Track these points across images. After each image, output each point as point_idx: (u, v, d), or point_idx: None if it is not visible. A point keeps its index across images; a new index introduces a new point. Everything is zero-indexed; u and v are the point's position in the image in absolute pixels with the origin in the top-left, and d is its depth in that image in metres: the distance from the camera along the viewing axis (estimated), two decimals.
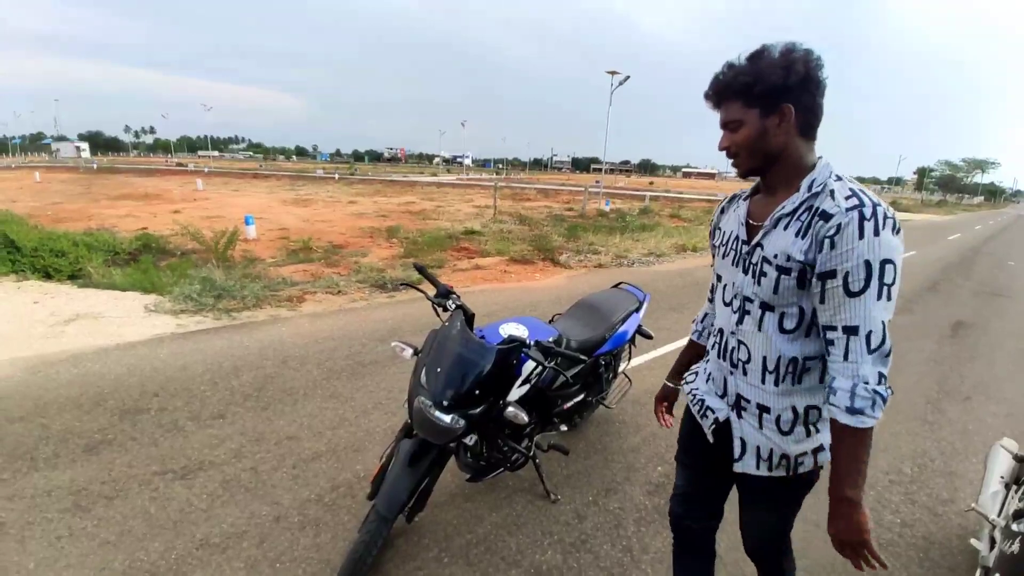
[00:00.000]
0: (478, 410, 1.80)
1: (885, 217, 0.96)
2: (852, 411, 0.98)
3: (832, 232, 0.98)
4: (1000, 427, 3.35)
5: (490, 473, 2.13)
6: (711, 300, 1.46)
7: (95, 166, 47.23)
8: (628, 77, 21.30)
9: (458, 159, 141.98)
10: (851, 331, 0.98)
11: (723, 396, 1.26)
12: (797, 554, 1.51)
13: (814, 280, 1.03)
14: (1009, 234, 22.47)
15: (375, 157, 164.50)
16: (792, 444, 1.16)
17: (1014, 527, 1.65)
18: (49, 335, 4.07)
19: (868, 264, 0.95)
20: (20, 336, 4.01)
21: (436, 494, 2.07)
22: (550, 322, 2.67)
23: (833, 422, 1.03)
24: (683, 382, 1.46)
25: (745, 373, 1.19)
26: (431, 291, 2.15)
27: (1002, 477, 2.07)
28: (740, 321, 1.19)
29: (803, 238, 1.04)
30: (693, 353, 1.54)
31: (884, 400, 0.97)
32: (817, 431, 1.16)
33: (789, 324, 1.11)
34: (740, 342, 1.19)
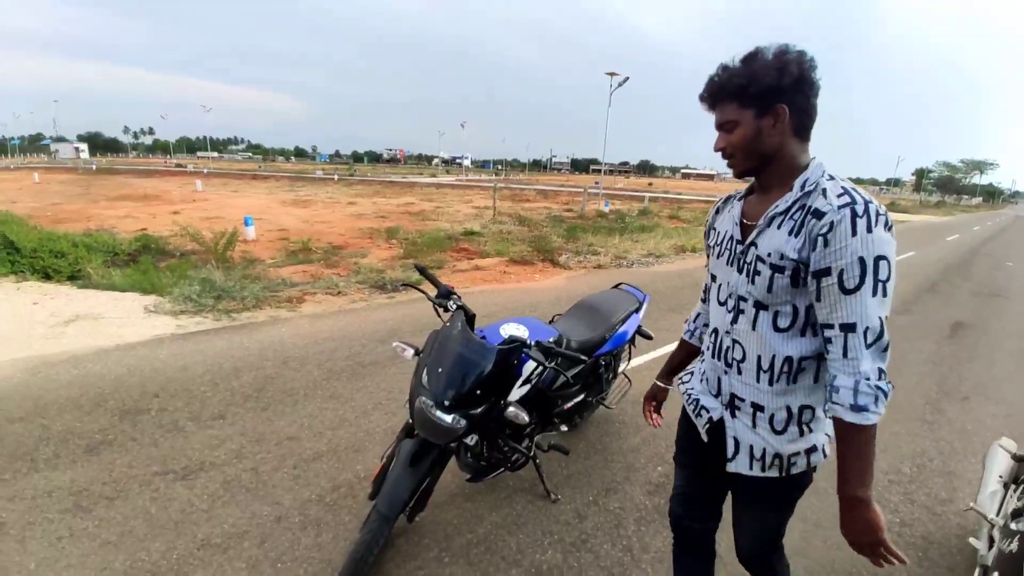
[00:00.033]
0: (479, 410, 1.80)
1: (877, 214, 0.97)
2: (856, 408, 0.98)
3: (825, 230, 0.99)
4: (999, 427, 3.36)
5: (490, 473, 2.13)
6: (703, 300, 1.48)
7: (94, 167, 47.18)
8: (627, 78, 21.35)
9: (457, 160, 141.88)
10: (849, 328, 0.99)
11: (717, 395, 1.27)
12: (797, 554, 1.52)
13: (809, 279, 1.03)
14: (1007, 235, 22.52)
15: (374, 158, 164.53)
16: (785, 444, 1.16)
17: (1012, 526, 1.66)
18: (49, 336, 4.07)
19: (862, 261, 0.96)
20: (20, 337, 4.01)
21: (436, 494, 2.08)
22: (550, 323, 2.67)
23: (837, 422, 1.02)
24: (679, 382, 1.47)
25: (740, 372, 1.20)
26: (432, 292, 2.16)
27: (1001, 477, 2.08)
28: (734, 320, 1.19)
29: (796, 236, 1.05)
30: (684, 353, 1.55)
31: (886, 395, 0.98)
32: (810, 431, 1.16)
33: (783, 323, 1.11)
34: (735, 341, 1.20)
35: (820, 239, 1.00)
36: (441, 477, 1.97)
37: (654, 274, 8.18)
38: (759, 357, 1.15)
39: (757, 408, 1.17)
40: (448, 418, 1.69)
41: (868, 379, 0.98)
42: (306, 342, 4.20)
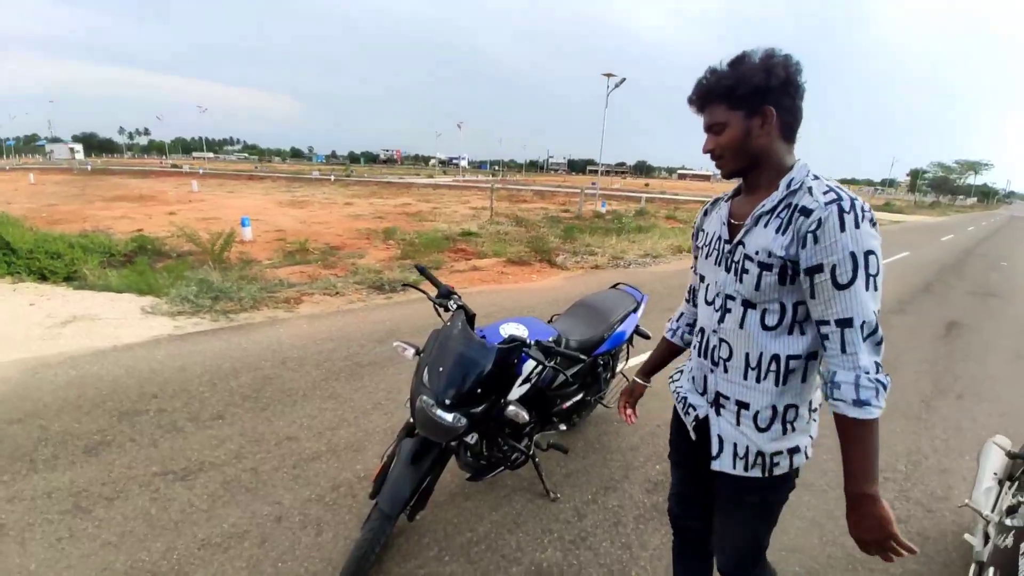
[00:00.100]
0: (479, 409, 1.82)
1: (863, 210, 0.99)
2: (859, 403, 0.99)
3: (813, 227, 1.01)
4: (993, 425, 3.39)
5: (490, 472, 2.14)
6: (688, 300, 1.50)
7: (89, 167, 46.96)
8: (624, 79, 21.41)
9: (454, 161, 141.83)
10: (845, 323, 1.00)
11: (703, 394, 1.28)
12: (794, 552, 1.52)
13: (802, 276, 1.05)
14: (1002, 235, 22.66)
15: (371, 159, 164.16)
16: (768, 441, 1.16)
17: (1007, 522, 1.68)
18: (46, 337, 4.05)
19: (853, 256, 0.98)
20: (17, 338, 3.99)
21: (436, 493, 2.08)
22: (549, 322, 2.69)
23: (840, 418, 1.02)
24: (670, 380, 1.48)
25: (726, 371, 1.21)
26: (432, 291, 2.17)
27: (995, 474, 2.10)
28: (722, 319, 1.20)
29: (784, 234, 1.06)
30: (666, 351, 1.56)
31: (886, 388, 0.99)
32: (794, 430, 1.16)
33: (771, 320, 1.12)
34: (721, 340, 1.21)
35: (809, 236, 1.01)
36: (441, 476, 1.98)
37: (651, 274, 8.20)
38: (747, 355, 1.16)
39: (742, 406, 1.18)
40: (449, 417, 1.70)
41: (868, 373, 0.99)
42: (304, 342, 4.20)
